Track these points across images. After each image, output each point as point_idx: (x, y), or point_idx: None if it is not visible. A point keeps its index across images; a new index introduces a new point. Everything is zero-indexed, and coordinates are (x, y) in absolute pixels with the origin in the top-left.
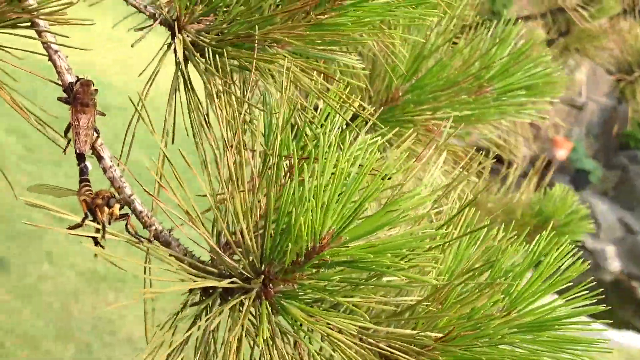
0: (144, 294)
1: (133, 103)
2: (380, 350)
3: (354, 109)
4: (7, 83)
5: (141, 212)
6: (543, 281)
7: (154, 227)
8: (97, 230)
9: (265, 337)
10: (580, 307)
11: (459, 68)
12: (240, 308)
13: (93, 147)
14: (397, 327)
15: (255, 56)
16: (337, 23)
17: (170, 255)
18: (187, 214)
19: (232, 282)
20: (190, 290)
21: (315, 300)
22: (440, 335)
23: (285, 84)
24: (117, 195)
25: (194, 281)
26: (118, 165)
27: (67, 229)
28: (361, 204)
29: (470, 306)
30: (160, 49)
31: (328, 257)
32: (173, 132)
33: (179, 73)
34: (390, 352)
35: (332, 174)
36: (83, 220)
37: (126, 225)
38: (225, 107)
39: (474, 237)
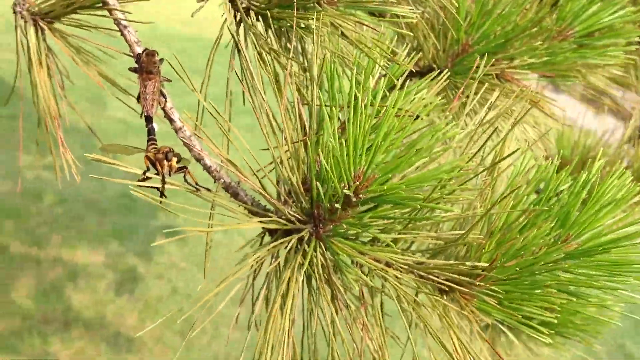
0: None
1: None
2: (432, 281)
3: (389, 58)
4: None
5: (210, 167)
6: (598, 208)
7: (222, 180)
8: (163, 181)
9: (316, 271)
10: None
11: (531, 11)
12: (299, 247)
13: (164, 110)
14: (447, 259)
15: (295, 14)
16: None
17: (239, 204)
18: (251, 169)
19: (286, 224)
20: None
21: (370, 240)
22: (486, 265)
23: (316, 39)
24: (174, 150)
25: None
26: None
27: (137, 181)
28: (384, 144)
29: (518, 235)
30: (222, 14)
31: (361, 195)
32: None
33: (236, 36)
34: (440, 282)
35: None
36: (144, 173)
37: (184, 176)
38: (270, 66)
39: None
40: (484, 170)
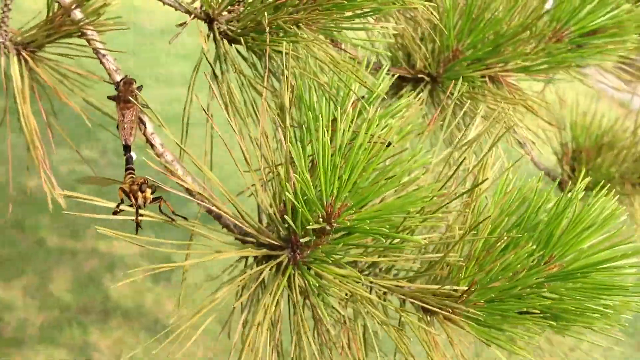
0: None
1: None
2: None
3: (359, 80)
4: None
5: (192, 192)
6: (579, 230)
7: (204, 204)
8: (137, 213)
9: (295, 295)
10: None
11: (522, 14)
12: (277, 272)
13: (145, 136)
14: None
15: (268, 43)
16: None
17: (223, 227)
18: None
19: (267, 250)
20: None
21: (351, 262)
22: (465, 288)
23: (287, 66)
24: (149, 181)
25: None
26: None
27: (112, 214)
28: (352, 174)
29: (499, 256)
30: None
31: (333, 224)
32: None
33: (213, 63)
34: (421, 305)
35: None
36: (117, 206)
37: (159, 206)
38: (248, 92)
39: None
40: (461, 195)
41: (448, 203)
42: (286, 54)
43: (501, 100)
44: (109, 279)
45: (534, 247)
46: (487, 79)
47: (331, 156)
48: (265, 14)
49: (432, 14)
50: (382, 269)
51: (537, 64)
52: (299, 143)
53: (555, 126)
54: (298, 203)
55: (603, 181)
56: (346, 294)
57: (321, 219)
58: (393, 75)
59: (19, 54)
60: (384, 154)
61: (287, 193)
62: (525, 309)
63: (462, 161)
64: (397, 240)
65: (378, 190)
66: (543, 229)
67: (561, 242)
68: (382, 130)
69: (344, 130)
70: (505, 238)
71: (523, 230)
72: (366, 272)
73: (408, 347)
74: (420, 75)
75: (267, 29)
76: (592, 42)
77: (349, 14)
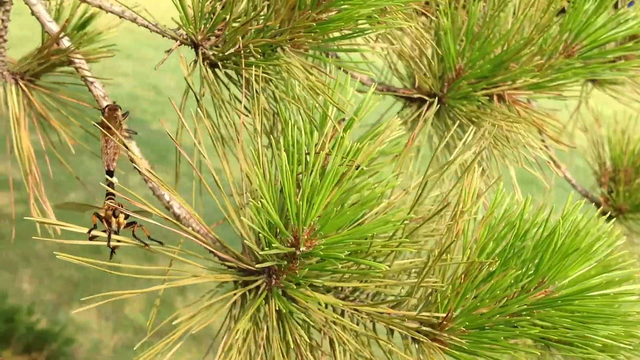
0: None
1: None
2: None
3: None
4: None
5: (179, 215)
6: (561, 257)
7: (191, 227)
8: (109, 238)
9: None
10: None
11: (527, 30)
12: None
13: (132, 161)
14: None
15: (243, 67)
16: (333, 19)
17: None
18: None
19: (246, 276)
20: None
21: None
22: (443, 315)
23: (257, 93)
24: (122, 207)
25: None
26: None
27: (89, 239)
28: (318, 198)
29: (482, 282)
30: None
31: (301, 248)
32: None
33: (192, 86)
34: (402, 331)
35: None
36: (89, 231)
37: (133, 232)
38: (227, 116)
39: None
40: (429, 219)
41: (419, 226)
42: (256, 77)
43: (504, 118)
44: (181, 301)
45: (519, 272)
46: (495, 97)
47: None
48: (240, 37)
49: (423, 35)
50: (368, 295)
51: (547, 80)
52: (266, 180)
53: (566, 144)
54: (259, 228)
55: None
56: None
57: (289, 244)
58: (398, 96)
59: (16, 83)
60: (352, 178)
61: (242, 218)
62: (513, 337)
63: (435, 183)
64: (363, 266)
65: (345, 214)
66: (532, 250)
67: (550, 267)
68: (353, 153)
69: (315, 155)
70: (483, 262)
71: (510, 254)
72: (351, 298)
73: None
74: (418, 96)
75: (242, 52)
76: (604, 56)
77: (336, 34)
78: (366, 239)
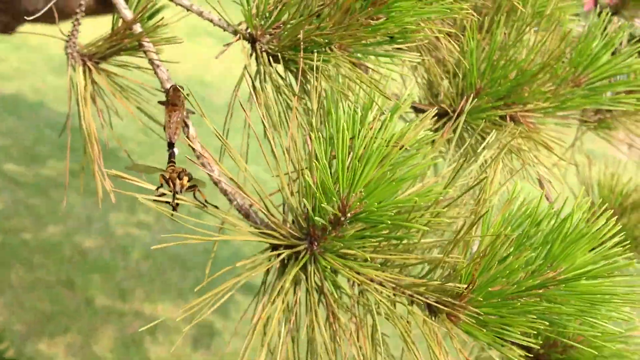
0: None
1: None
2: (411, 297)
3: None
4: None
5: (226, 190)
6: (578, 239)
7: (236, 202)
8: (173, 196)
9: (310, 282)
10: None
11: (540, 57)
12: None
13: (187, 138)
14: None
15: (301, 57)
16: (379, 25)
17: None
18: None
19: (284, 240)
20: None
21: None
22: (465, 285)
23: (316, 77)
24: (186, 170)
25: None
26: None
27: (154, 195)
28: (366, 170)
29: (499, 261)
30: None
31: (348, 214)
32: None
33: (252, 77)
34: (424, 301)
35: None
36: (157, 189)
37: (194, 194)
38: (282, 103)
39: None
40: (468, 190)
41: (456, 199)
42: (310, 67)
43: (517, 134)
44: (150, 341)
45: (532, 255)
46: (507, 117)
47: (345, 154)
48: (300, 32)
49: (452, 51)
50: (394, 267)
51: (554, 106)
52: (323, 144)
53: (570, 162)
54: (316, 189)
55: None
56: (358, 284)
57: (337, 210)
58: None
59: (84, 63)
60: (396, 155)
61: (306, 177)
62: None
63: (460, 167)
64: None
65: (390, 184)
66: (542, 239)
67: (559, 253)
68: (398, 135)
69: (364, 135)
70: (507, 235)
71: (525, 239)
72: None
73: (413, 341)
74: (438, 110)
75: (301, 45)
76: (606, 89)
77: (375, 39)
78: (415, 203)
